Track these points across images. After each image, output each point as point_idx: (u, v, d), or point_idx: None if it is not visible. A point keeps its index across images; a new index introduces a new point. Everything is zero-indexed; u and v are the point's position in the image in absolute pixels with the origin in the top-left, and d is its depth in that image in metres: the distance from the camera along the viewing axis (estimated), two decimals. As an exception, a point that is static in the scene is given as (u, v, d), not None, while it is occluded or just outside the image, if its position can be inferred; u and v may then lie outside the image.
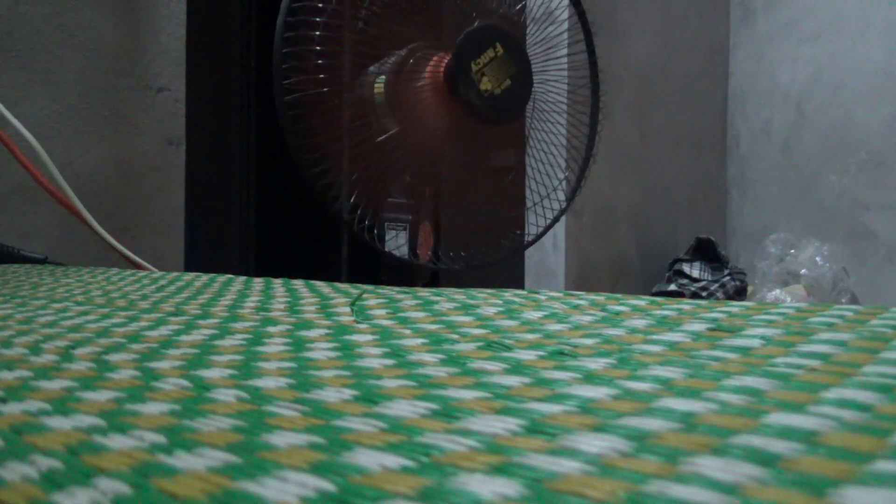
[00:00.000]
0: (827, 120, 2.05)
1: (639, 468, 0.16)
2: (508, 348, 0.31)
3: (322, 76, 0.88)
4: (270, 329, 0.38)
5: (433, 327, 0.37)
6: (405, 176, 0.99)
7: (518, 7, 0.98)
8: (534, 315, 0.40)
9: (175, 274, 0.72)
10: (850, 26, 2.01)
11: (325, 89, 0.88)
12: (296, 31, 0.87)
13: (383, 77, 0.94)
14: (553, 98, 1.03)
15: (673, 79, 2.01)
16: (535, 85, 1.02)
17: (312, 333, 0.36)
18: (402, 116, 0.93)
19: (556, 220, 1.02)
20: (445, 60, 0.93)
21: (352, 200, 0.91)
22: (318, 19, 0.87)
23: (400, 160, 0.95)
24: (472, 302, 0.46)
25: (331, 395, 0.24)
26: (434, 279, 1.03)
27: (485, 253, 0.99)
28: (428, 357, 0.30)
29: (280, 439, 0.19)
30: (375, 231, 0.94)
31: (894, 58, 1.94)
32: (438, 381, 0.25)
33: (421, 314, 0.42)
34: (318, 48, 0.88)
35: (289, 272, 0.75)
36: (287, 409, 0.22)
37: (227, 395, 0.24)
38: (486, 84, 0.91)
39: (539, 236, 1.03)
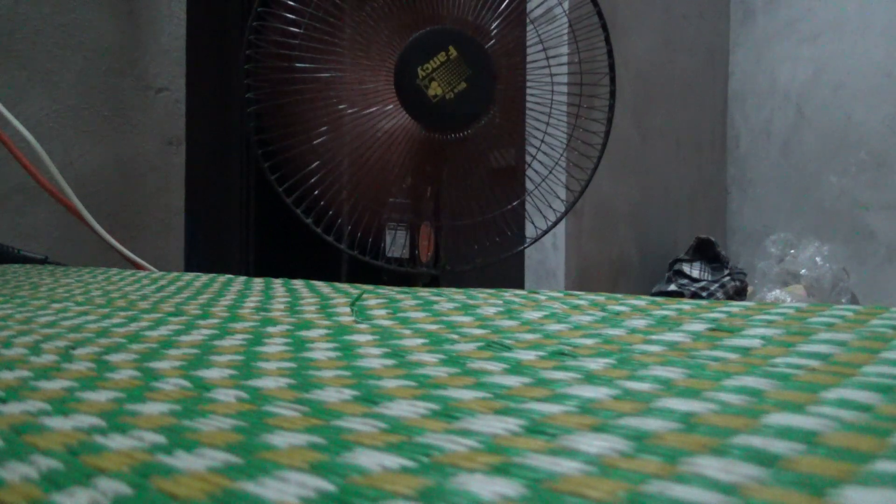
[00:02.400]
0: (827, 120, 2.05)
1: (639, 468, 0.16)
2: (508, 348, 0.31)
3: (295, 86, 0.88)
4: (270, 329, 0.38)
5: (433, 327, 0.37)
6: (405, 178, 0.99)
7: (496, 13, 0.96)
8: (534, 315, 0.40)
9: (175, 274, 0.72)
10: (850, 26, 2.00)
11: (303, 97, 0.88)
12: (259, 42, 0.87)
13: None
14: (557, 97, 1.03)
15: (673, 79, 2.01)
16: (534, 84, 1.02)
17: (312, 333, 0.36)
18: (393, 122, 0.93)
19: (559, 220, 1.02)
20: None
21: (348, 222, 0.91)
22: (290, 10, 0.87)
23: (398, 164, 0.95)
24: (472, 302, 0.46)
25: (331, 395, 0.24)
26: (434, 279, 1.03)
27: (482, 252, 0.99)
28: (428, 357, 0.30)
29: (280, 439, 0.19)
30: (370, 240, 0.93)
31: (894, 58, 1.93)
32: (438, 381, 0.25)
33: (421, 314, 0.42)
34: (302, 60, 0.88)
35: (289, 272, 0.76)
36: (287, 409, 0.22)
37: (227, 395, 0.24)
38: (435, 89, 0.89)
39: (540, 237, 1.03)
